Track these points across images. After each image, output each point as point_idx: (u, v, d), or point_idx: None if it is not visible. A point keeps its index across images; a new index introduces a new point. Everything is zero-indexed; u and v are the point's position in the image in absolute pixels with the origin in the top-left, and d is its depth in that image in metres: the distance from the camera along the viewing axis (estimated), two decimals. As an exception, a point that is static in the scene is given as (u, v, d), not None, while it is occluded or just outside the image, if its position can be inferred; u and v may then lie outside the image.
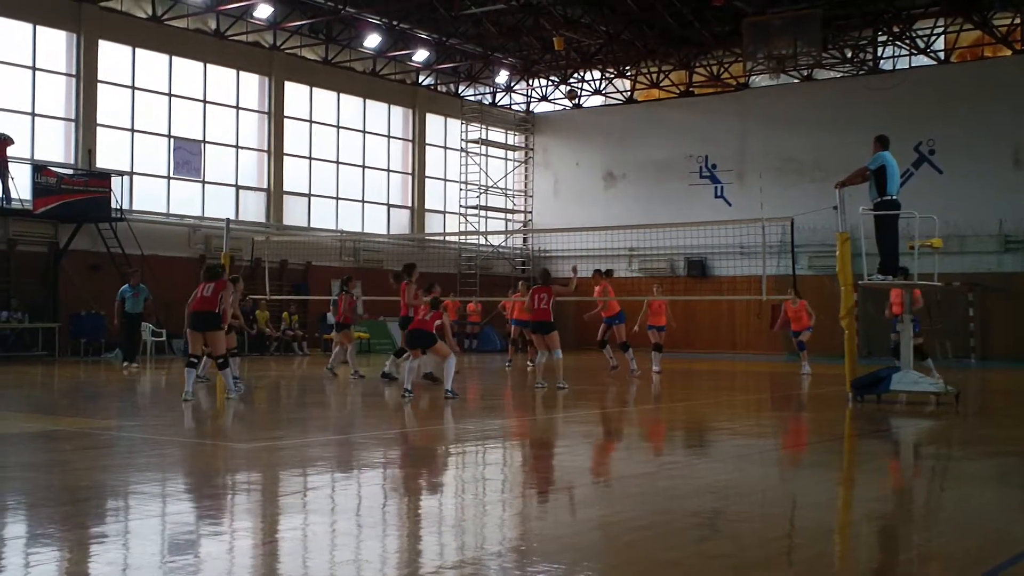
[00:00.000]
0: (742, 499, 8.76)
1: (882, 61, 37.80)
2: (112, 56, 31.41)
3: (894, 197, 16.38)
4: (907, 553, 7.04)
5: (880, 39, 37.21)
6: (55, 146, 30.35)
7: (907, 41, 36.44)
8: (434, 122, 42.20)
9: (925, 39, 36.16)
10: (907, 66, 37.41)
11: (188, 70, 33.43)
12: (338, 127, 38.25)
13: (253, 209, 35.38)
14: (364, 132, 39.25)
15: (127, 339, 24.06)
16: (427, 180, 41.78)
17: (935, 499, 9.14)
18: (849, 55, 37.50)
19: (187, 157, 33.31)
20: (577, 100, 43.51)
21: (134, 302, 23.29)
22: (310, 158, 37.22)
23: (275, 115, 35.83)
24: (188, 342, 16.37)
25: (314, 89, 37.35)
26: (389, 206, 40.29)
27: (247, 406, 15.78)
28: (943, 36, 36.25)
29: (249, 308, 30.90)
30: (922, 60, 36.90)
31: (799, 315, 23.75)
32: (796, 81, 39.01)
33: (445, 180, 42.74)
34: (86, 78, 30.55)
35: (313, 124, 37.38)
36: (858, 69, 37.79)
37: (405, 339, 17.77)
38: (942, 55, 36.49)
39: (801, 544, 7.20)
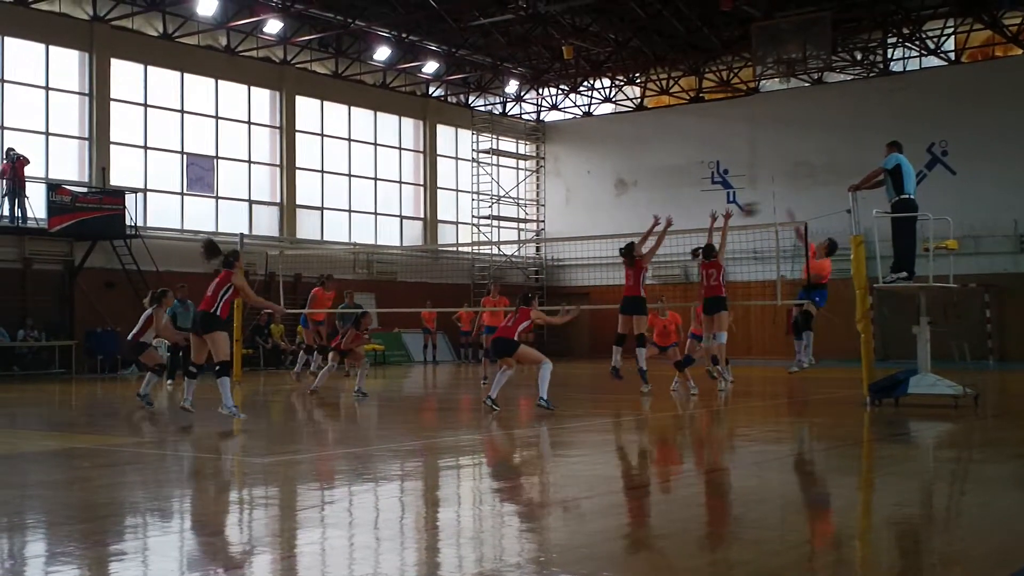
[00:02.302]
0: (761, 505, 8.72)
1: (892, 63, 37.75)
2: (124, 74, 31.56)
3: (912, 197, 16.33)
4: (929, 558, 6.99)
5: (890, 41, 37.16)
6: (69, 165, 30.49)
7: (917, 42, 36.38)
8: (445, 133, 42.26)
9: (935, 40, 36.10)
10: (917, 67, 37.36)
11: (200, 86, 33.55)
12: (349, 140, 38.33)
13: (266, 223, 35.45)
14: (375, 144, 39.32)
15: (174, 355, 23.76)
16: (439, 191, 41.84)
17: (956, 503, 9.09)
18: (859, 57, 37.45)
19: (200, 173, 33.42)
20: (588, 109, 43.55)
21: (184, 317, 22.90)
22: (322, 171, 37.29)
23: (287, 129, 35.92)
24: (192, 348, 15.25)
25: (325, 103, 37.45)
26: (402, 218, 40.34)
27: (263, 420, 15.73)
28: (953, 36, 36.20)
29: (264, 322, 30.97)
30: (932, 61, 36.84)
31: None
32: (806, 84, 38.95)
33: (457, 191, 42.78)
34: (99, 96, 30.68)
35: (324, 137, 37.46)
36: (868, 71, 37.73)
37: (491, 348, 16.94)
38: (952, 56, 36.42)
39: (822, 550, 7.17)
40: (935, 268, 16.67)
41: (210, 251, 15.27)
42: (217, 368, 14.46)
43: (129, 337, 17.72)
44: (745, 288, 35.49)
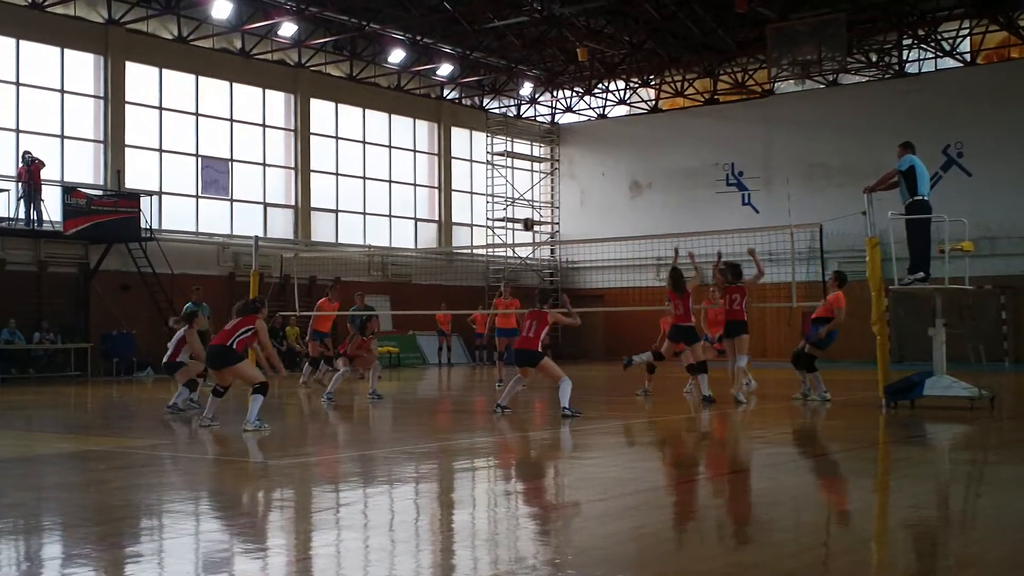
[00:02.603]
0: (776, 507, 8.71)
1: (907, 64, 37.65)
2: (139, 77, 31.65)
3: (925, 198, 16.29)
4: (944, 560, 6.98)
5: (905, 42, 37.05)
6: (84, 168, 30.59)
7: (932, 44, 36.29)
8: (459, 135, 42.29)
9: (950, 41, 36.00)
10: (933, 69, 37.27)
11: (214, 89, 33.64)
12: (364, 143, 38.39)
13: (281, 226, 35.52)
14: (390, 147, 39.37)
15: None
16: (454, 193, 41.86)
17: (971, 505, 9.06)
18: (874, 59, 37.37)
19: (215, 176, 33.50)
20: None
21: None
22: (337, 174, 37.35)
23: (301, 132, 35.99)
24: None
25: (340, 105, 37.51)
26: (416, 220, 40.38)
27: (278, 423, 15.73)
28: (968, 38, 36.08)
29: (279, 325, 31.00)
30: (948, 62, 36.75)
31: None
32: (821, 86, 38.88)
33: (471, 193, 42.80)
34: (114, 100, 30.78)
35: (339, 140, 37.52)
36: (883, 73, 37.65)
37: (514, 358, 16.73)
38: (968, 57, 36.31)
39: (837, 552, 7.15)
40: (951, 270, 16.62)
41: (244, 311, 14.75)
42: (256, 386, 14.28)
43: (165, 360, 17.60)
44: (760, 290, 35.42)
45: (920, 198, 16.23)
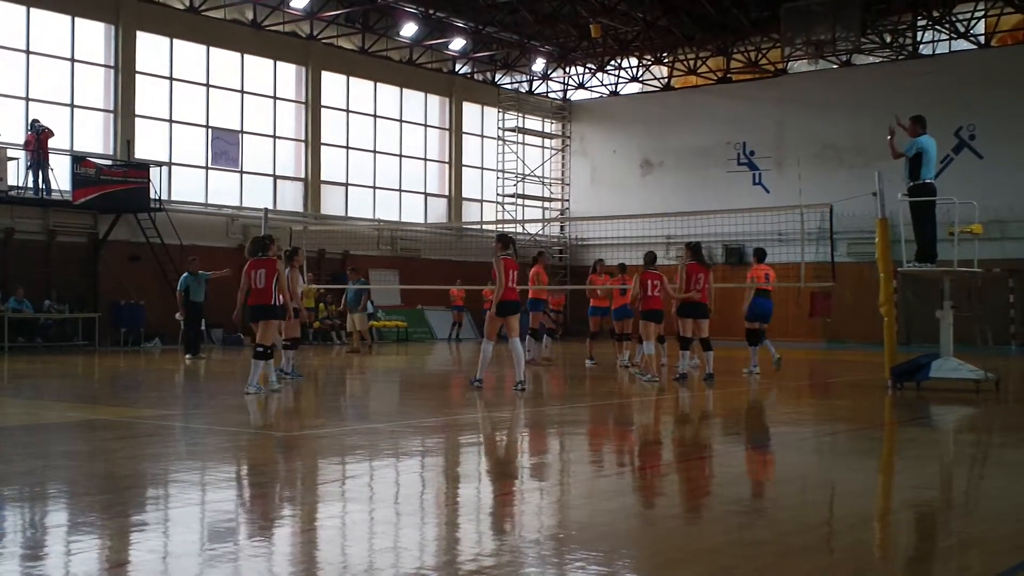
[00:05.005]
0: (782, 486, 8.72)
1: (922, 46, 37.45)
2: (150, 47, 31.59)
3: (930, 181, 16.20)
4: (947, 540, 6.99)
5: (920, 23, 36.85)
6: (94, 137, 30.57)
7: (947, 25, 36.11)
8: (471, 111, 42.21)
9: (965, 23, 35.82)
10: (947, 51, 37.06)
11: (225, 60, 33.57)
12: (375, 116, 38.33)
13: (291, 199, 35.52)
14: (401, 121, 39.31)
15: (190, 330, 23.83)
16: (464, 169, 41.81)
17: (975, 486, 9.08)
18: (888, 40, 37.18)
19: (225, 147, 33.46)
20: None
21: (197, 290, 23.01)
22: (347, 147, 37.31)
23: (312, 105, 35.94)
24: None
25: (351, 78, 37.43)
26: (426, 195, 40.35)
27: (287, 396, 15.77)
28: (983, 20, 35.89)
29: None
30: (962, 44, 36.56)
31: None
32: (835, 66, 38.72)
33: (482, 168, 42.75)
34: (124, 69, 30.74)
35: (350, 113, 37.46)
36: (897, 54, 37.48)
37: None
38: (982, 39, 36.14)
39: (841, 531, 7.17)
40: (960, 252, 16.60)
41: (256, 249, 15.32)
42: (258, 350, 14.89)
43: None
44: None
45: (922, 182, 16.15)
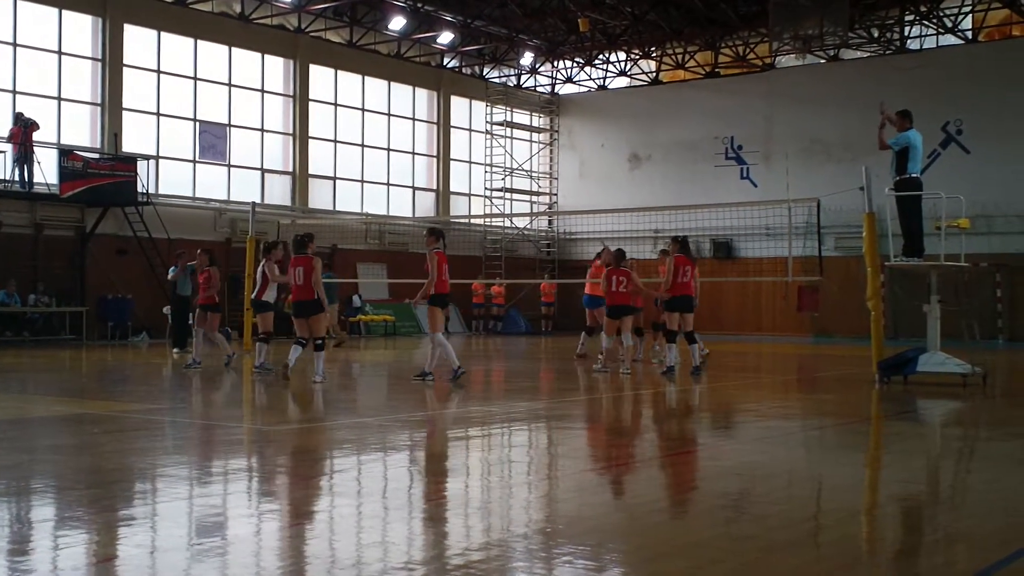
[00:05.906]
0: (768, 481, 8.74)
1: (909, 40, 37.52)
2: (137, 40, 31.49)
3: (916, 176, 16.22)
4: (933, 535, 7.01)
5: (907, 18, 36.93)
6: (81, 130, 30.48)
7: (934, 20, 36.18)
8: (459, 104, 42.17)
9: (952, 18, 35.90)
10: (934, 45, 37.14)
11: (213, 54, 33.48)
12: (363, 110, 38.27)
13: (278, 192, 35.46)
14: (389, 115, 39.25)
15: (177, 324, 23.78)
16: (452, 163, 41.77)
17: (962, 480, 9.10)
18: (876, 35, 37.24)
19: (212, 141, 33.39)
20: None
21: (184, 284, 22.97)
22: (335, 141, 37.25)
23: (300, 98, 35.88)
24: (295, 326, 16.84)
25: (339, 72, 37.36)
26: (414, 189, 40.31)
27: (276, 389, 15.78)
28: (971, 15, 35.97)
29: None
30: (949, 39, 36.63)
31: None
32: (823, 61, 38.78)
33: (470, 162, 42.71)
34: (111, 62, 30.65)
35: (338, 107, 37.40)
36: (885, 49, 37.54)
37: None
38: (970, 34, 36.21)
39: (827, 525, 7.18)
40: (947, 247, 16.64)
41: (299, 248, 16.91)
42: (317, 343, 16.45)
43: (253, 296, 19.01)
44: (757, 264, 35.50)
45: (909, 176, 16.17)
